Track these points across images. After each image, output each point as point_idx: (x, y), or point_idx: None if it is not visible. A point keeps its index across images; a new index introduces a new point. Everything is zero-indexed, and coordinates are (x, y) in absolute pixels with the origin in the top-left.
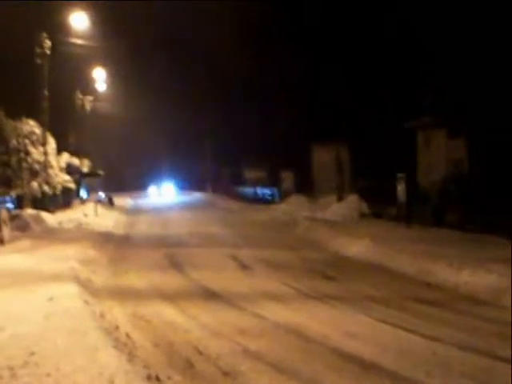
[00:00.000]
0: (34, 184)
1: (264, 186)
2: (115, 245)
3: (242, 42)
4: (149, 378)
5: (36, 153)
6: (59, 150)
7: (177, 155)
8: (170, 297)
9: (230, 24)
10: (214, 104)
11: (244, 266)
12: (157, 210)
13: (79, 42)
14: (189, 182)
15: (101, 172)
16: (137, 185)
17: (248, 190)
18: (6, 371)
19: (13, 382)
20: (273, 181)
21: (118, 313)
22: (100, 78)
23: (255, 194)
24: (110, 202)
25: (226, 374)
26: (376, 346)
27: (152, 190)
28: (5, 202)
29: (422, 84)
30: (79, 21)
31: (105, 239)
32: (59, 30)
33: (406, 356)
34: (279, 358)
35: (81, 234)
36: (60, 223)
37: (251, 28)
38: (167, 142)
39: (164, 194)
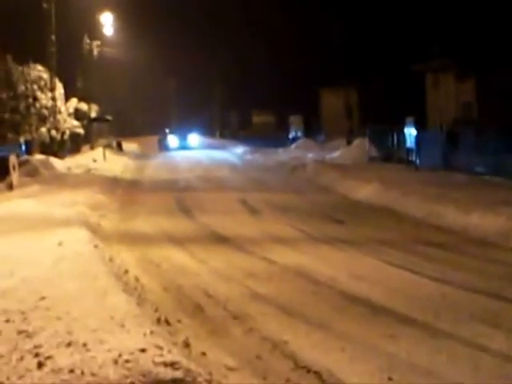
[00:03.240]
0: (43, 129)
1: (272, 130)
2: (124, 190)
3: None
4: (158, 321)
5: (44, 98)
6: (67, 96)
7: (186, 100)
8: (178, 241)
9: None
10: (224, 47)
11: (253, 210)
12: (165, 156)
13: None
14: (198, 127)
15: (109, 117)
16: (147, 131)
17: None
18: (17, 315)
19: (24, 326)
20: (281, 125)
21: (128, 257)
22: (108, 22)
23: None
24: (119, 147)
25: (235, 317)
26: (384, 288)
27: (171, 139)
28: (17, 147)
29: (430, 27)
30: None
31: (113, 184)
32: None
33: (414, 298)
34: (288, 301)
35: (89, 179)
36: (69, 168)
37: None
38: (176, 87)
39: (190, 146)
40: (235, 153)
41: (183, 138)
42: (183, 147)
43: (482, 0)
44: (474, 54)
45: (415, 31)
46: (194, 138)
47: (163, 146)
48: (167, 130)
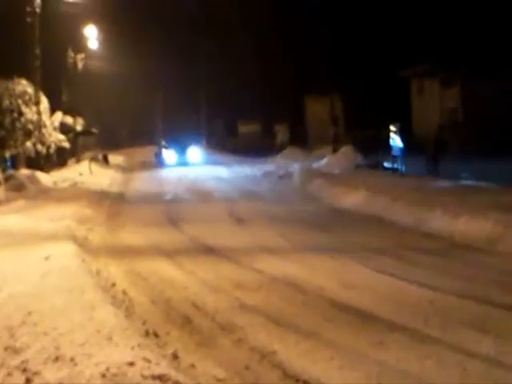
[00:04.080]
0: (28, 144)
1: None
2: (111, 203)
3: None
4: (147, 333)
5: (29, 112)
6: (52, 109)
7: (172, 111)
8: (166, 253)
9: None
10: (209, 58)
11: (240, 220)
12: (149, 167)
13: None
14: (196, 138)
15: (95, 130)
16: (133, 143)
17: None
18: (4, 331)
19: (11, 342)
20: (266, 134)
21: (115, 270)
22: (92, 35)
23: None
24: (105, 160)
25: (223, 328)
26: (373, 296)
27: (167, 154)
28: (3, 162)
29: (416, 34)
30: None
31: (100, 197)
32: None
33: (403, 305)
34: (277, 312)
35: (76, 193)
36: (55, 182)
37: None
38: (162, 98)
39: (189, 161)
40: (222, 163)
41: (181, 151)
42: (182, 163)
43: (467, 8)
44: (459, 60)
45: (400, 38)
46: (194, 152)
47: (159, 161)
48: (163, 142)
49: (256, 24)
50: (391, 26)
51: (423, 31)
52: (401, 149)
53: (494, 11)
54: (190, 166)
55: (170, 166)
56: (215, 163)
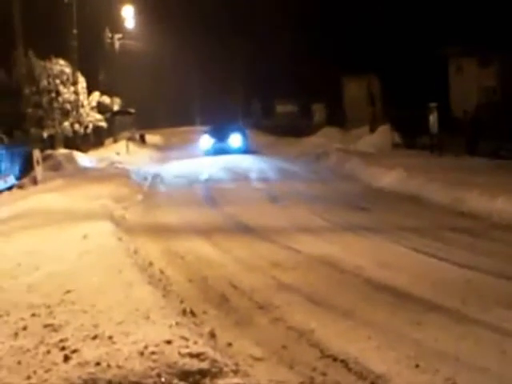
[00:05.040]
0: (66, 124)
1: (295, 119)
2: (148, 182)
3: None
4: (184, 312)
5: (67, 92)
6: (90, 89)
7: (209, 92)
8: (203, 231)
9: None
10: (247, 39)
11: (277, 200)
12: (186, 147)
13: None
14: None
15: (132, 110)
16: (170, 123)
17: None
18: (42, 309)
19: (50, 320)
20: (303, 114)
21: (152, 249)
22: (129, 15)
23: None
24: (142, 140)
25: (260, 307)
26: (410, 275)
27: (205, 140)
28: (43, 141)
29: (453, 13)
30: None
31: (137, 177)
32: None
33: (440, 285)
34: (313, 290)
35: (113, 172)
36: (92, 162)
37: None
38: (200, 79)
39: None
40: (258, 143)
41: (221, 137)
42: (221, 150)
43: None
44: (497, 39)
45: (438, 16)
46: (236, 139)
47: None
48: (204, 129)
49: (292, 8)
50: (429, 4)
51: (461, 9)
52: (438, 128)
53: None
54: (232, 154)
55: (208, 152)
56: (255, 148)
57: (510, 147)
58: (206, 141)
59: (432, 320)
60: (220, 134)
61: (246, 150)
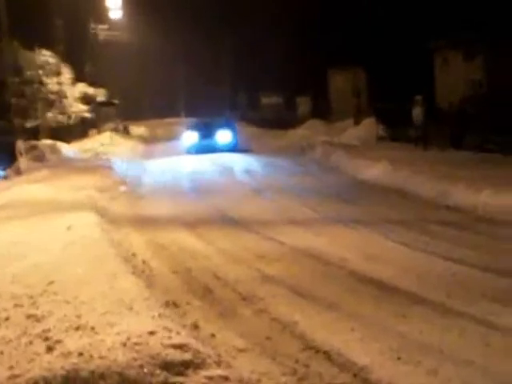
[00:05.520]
0: (50, 114)
1: (280, 111)
2: (131, 173)
3: None
4: (167, 303)
5: (51, 83)
6: (74, 81)
7: (195, 84)
8: (186, 223)
9: None
10: (233, 31)
11: (262, 192)
12: (169, 138)
13: None
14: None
15: (116, 101)
16: (154, 114)
17: None
18: (25, 300)
19: (33, 310)
20: (288, 106)
21: (136, 240)
22: (114, 6)
23: None
24: (126, 131)
25: (244, 298)
26: (395, 268)
27: (189, 137)
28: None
29: (438, 6)
30: None
31: (121, 168)
32: None
33: (425, 278)
34: (297, 282)
35: (97, 163)
36: (76, 153)
37: None
38: (185, 70)
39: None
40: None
41: (208, 133)
42: (207, 148)
43: None
44: (483, 32)
45: (424, 11)
46: (225, 135)
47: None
48: (189, 124)
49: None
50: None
51: (447, 3)
52: (424, 121)
53: None
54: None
55: (192, 150)
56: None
57: (496, 140)
58: (190, 137)
59: (417, 313)
60: (206, 129)
61: (235, 148)
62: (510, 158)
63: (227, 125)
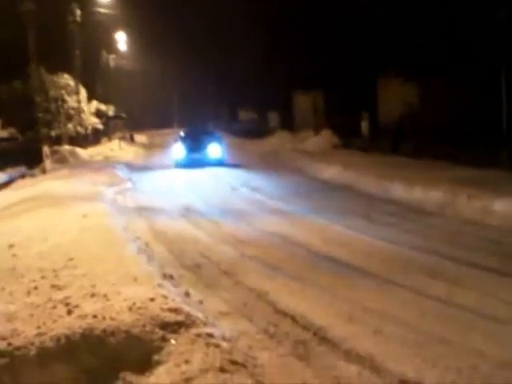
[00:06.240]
0: (70, 126)
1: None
2: (136, 172)
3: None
4: (164, 276)
5: (70, 101)
6: (89, 99)
7: (186, 101)
8: (182, 212)
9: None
10: (217, 59)
11: (237, 189)
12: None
13: (103, 10)
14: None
15: (123, 115)
16: (154, 126)
17: None
18: (50, 272)
19: (56, 281)
20: (261, 120)
21: (139, 226)
22: (121, 39)
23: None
24: (132, 139)
25: (225, 272)
26: (348, 249)
27: (178, 150)
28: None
29: (382, 43)
30: None
31: (127, 168)
32: (88, 1)
33: (372, 256)
34: (270, 260)
35: (108, 165)
36: (91, 156)
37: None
38: (180, 88)
39: (208, 160)
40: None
41: (197, 146)
42: (196, 162)
43: (424, 24)
44: (417, 63)
45: (371, 45)
46: (214, 149)
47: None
48: (182, 133)
49: (253, 36)
50: (364, 35)
51: (389, 39)
52: (369, 133)
53: (442, 24)
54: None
55: (182, 164)
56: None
57: (426, 148)
58: (179, 150)
59: (365, 284)
60: (194, 142)
61: (224, 163)
62: (437, 162)
63: (215, 138)
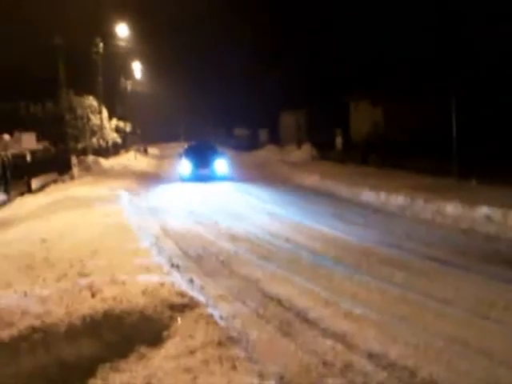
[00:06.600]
0: (94, 140)
1: (247, 139)
2: (149, 179)
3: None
4: (172, 266)
5: (94, 119)
6: (110, 117)
7: (191, 120)
8: (189, 212)
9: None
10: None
11: (233, 193)
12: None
13: (122, 43)
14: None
15: (138, 131)
16: (165, 140)
17: None
18: (77, 262)
19: (82, 269)
20: (253, 136)
21: (152, 224)
22: (137, 68)
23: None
24: (145, 152)
25: (222, 262)
26: (325, 243)
27: (183, 165)
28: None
29: (353, 69)
30: (122, 29)
31: (142, 175)
32: (109, 36)
33: (344, 249)
34: (260, 254)
35: (125, 173)
36: (111, 166)
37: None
38: (186, 107)
39: (214, 175)
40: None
41: (203, 162)
42: (201, 177)
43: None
44: (383, 87)
45: (344, 72)
46: (220, 165)
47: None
48: (186, 147)
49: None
50: (337, 61)
51: (359, 67)
52: (342, 147)
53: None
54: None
55: (186, 178)
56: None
57: (390, 160)
58: (184, 166)
59: (338, 271)
60: (200, 158)
61: (229, 178)
62: (399, 171)
63: (220, 154)
